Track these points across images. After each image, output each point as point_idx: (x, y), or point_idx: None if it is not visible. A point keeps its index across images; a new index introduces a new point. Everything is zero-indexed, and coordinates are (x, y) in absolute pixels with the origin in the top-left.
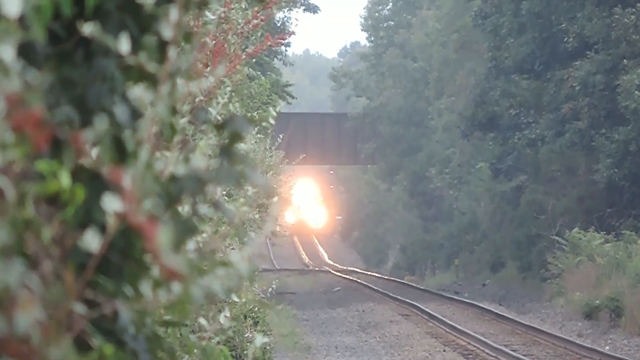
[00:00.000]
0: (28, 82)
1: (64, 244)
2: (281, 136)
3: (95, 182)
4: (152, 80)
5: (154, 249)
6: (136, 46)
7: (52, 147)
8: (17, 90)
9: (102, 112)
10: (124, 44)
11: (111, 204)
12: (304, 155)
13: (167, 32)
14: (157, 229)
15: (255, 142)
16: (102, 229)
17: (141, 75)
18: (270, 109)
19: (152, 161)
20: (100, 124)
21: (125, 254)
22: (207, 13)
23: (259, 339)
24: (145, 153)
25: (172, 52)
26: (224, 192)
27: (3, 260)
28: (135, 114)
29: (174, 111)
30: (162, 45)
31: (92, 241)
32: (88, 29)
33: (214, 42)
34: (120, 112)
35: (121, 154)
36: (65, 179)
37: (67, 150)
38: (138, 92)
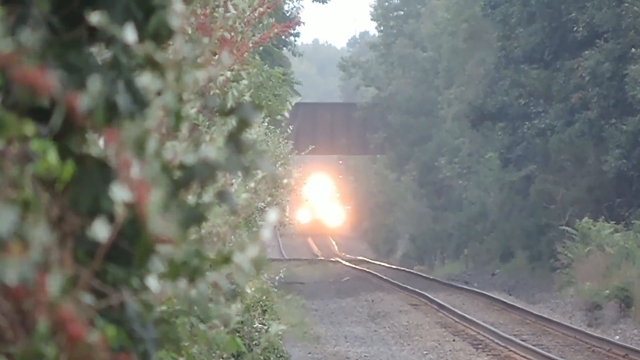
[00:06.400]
0: (22, 43)
1: (64, 229)
2: (291, 127)
3: (103, 172)
4: (159, 69)
5: (144, 213)
6: (142, 34)
7: (44, 111)
8: (11, 50)
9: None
10: (129, 33)
11: (120, 193)
12: (313, 146)
13: (174, 21)
14: (148, 193)
15: (266, 133)
16: (110, 217)
17: (148, 64)
18: (287, 103)
19: (160, 150)
20: (94, 85)
21: (134, 242)
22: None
23: (274, 327)
24: (154, 142)
25: (178, 41)
26: (232, 182)
27: None
28: (142, 102)
29: (180, 99)
30: (169, 34)
31: (100, 230)
32: (95, 18)
33: (221, 29)
34: (123, 100)
35: (113, 115)
36: (52, 157)
37: (58, 111)
38: (145, 80)
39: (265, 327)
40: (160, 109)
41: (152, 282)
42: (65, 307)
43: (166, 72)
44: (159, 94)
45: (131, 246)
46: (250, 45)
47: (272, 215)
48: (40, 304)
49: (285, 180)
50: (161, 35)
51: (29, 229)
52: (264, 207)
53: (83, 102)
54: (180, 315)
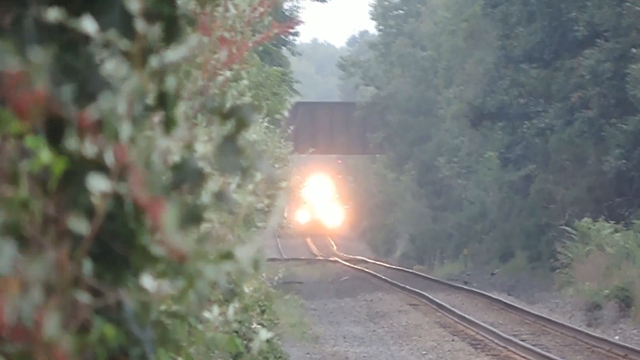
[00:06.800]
0: (31, 61)
1: (60, 226)
2: (291, 127)
3: (100, 171)
4: (124, 56)
5: (160, 229)
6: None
7: (54, 128)
8: (21, 68)
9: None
10: (88, 24)
11: (97, 184)
12: (314, 149)
13: (133, 5)
14: (163, 209)
15: (265, 132)
16: (110, 216)
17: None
18: (287, 102)
19: (142, 141)
20: (105, 101)
21: (130, 243)
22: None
23: (263, 334)
24: (126, 129)
25: (140, 26)
26: (229, 182)
27: None
28: (107, 87)
29: (174, 98)
30: (128, 19)
31: (79, 223)
32: (53, 13)
33: (221, 28)
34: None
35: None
36: (45, 154)
37: (70, 130)
38: (110, 67)
39: (265, 329)
40: (128, 95)
41: (148, 282)
42: (62, 348)
43: (131, 58)
44: (124, 80)
45: (126, 248)
46: (250, 44)
47: (273, 220)
48: (38, 344)
49: (284, 183)
50: (124, 22)
51: (29, 265)
52: (265, 208)
53: (94, 115)
54: (179, 316)
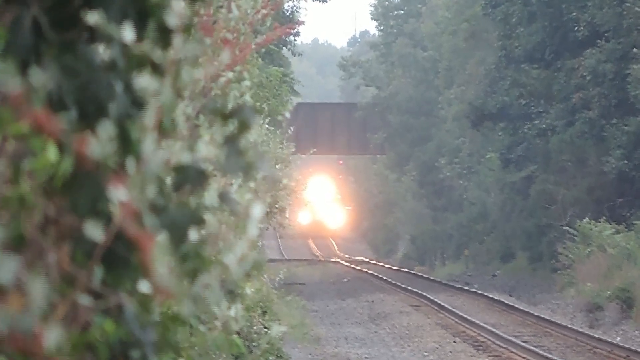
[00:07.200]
0: (31, 84)
1: (61, 227)
2: (292, 128)
3: (102, 173)
4: (157, 69)
5: (148, 265)
6: (140, 34)
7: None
8: (21, 91)
9: (104, 103)
10: (127, 32)
11: (117, 193)
12: (315, 149)
13: (172, 20)
14: (153, 245)
15: (266, 133)
16: (108, 219)
17: (146, 64)
18: (289, 103)
19: (155, 150)
20: (104, 131)
21: (130, 246)
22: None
23: (275, 329)
24: (150, 142)
25: (177, 41)
26: (231, 183)
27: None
28: (139, 104)
29: (177, 100)
30: (166, 33)
31: (94, 230)
32: (92, 18)
33: (224, 30)
34: (120, 102)
35: (125, 143)
36: (52, 153)
37: (67, 159)
38: (144, 82)
39: (266, 330)
40: (156, 110)
41: (145, 287)
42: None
43: (164, 71)
44: (156, 94)
45: (128, 250)
46: (253, 46)
47: (257, 209)
48: (36, 357)
49: (285, 181)
50: (161, 35)
51: (30, 280)
52: (267, 209)
53: (93, 149)
54: (179, 316)
